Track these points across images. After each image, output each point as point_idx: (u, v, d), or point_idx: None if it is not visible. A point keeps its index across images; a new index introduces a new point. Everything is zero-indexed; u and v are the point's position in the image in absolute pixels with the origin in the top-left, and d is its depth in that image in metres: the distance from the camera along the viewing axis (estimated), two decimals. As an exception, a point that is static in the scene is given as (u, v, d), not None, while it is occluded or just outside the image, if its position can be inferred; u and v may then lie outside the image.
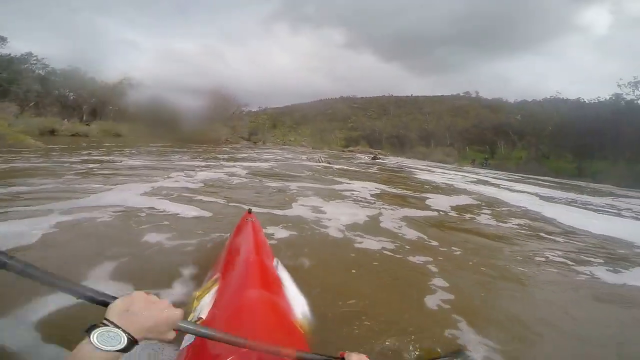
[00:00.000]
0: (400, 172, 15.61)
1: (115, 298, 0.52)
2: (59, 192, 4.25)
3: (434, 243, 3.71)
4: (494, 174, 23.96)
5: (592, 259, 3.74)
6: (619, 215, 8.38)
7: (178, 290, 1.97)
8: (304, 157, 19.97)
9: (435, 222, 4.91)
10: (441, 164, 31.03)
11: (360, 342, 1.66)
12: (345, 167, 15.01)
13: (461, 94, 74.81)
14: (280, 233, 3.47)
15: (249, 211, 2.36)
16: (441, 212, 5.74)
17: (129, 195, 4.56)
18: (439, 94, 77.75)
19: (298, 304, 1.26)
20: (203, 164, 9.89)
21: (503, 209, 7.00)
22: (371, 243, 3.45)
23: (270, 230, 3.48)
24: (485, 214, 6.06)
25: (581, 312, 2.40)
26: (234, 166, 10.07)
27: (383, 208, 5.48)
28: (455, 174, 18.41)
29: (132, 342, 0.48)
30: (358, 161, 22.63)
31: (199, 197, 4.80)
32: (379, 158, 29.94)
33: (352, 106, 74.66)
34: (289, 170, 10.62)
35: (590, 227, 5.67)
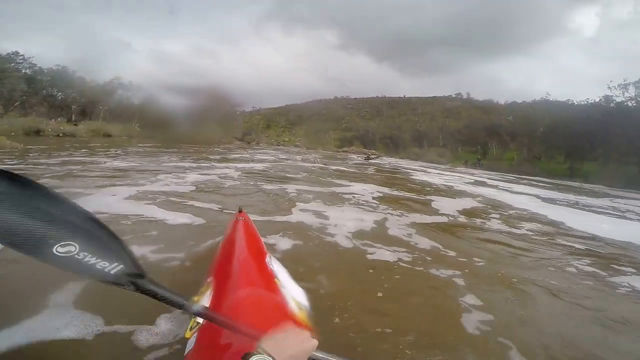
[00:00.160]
0: (397, 173, 15.33)
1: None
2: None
3: (452, 253, 3.37)
4: (488, 174, 23.88)
5: (624, 268, 3.46)
6: (624, 217, 8.24)
7: (163, 327, 1.56)
8: (298, 157, 19.60)
9: (446, 228, 4.60)
10: (434, 165, 30.94)
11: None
12: (342, 168, 14.64)
13: (453, 95, 75.43)
14: (284, 243, 3.09)
15: (240, 210, 2.32)
16: (450, 217, 5.43)
17: (113, 200, 4.13)
18: (431, 95, 78.17)
19: (296, 297, 1.25)
20: (194, 165, 9.40)
21: (510, 212, 6.73)
22: (385, 254, 3.09)
23: (271, 240, 3.10)
24: (494, 218, 5.77)
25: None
26: (226, 167, 9.61)
27: (388, 213, 5.14)
28: (452, 175, 18.24)
29: None
30: (353, 162, 22.29)
31: (190, 202, 4.37)
32: (372, 158, 29.67)
33: (346, 107, 74.48)
34: (285, 172, 10.21)
35: (602, 232, 5.43)
